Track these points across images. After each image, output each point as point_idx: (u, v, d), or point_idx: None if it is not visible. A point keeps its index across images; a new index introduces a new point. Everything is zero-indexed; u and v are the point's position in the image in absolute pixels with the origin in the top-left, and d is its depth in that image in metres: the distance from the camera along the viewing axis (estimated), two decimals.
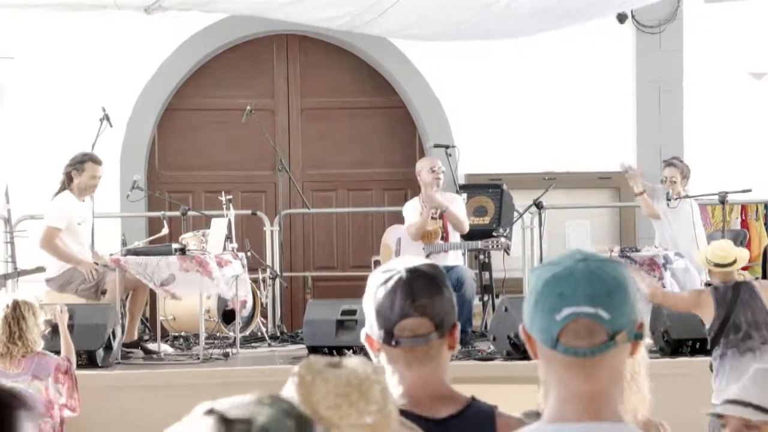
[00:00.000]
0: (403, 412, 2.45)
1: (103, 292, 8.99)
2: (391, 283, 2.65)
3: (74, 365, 7.14)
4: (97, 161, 9.19)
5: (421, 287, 2.64)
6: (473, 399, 2.69)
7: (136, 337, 9.28)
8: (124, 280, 8.90)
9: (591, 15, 11.19)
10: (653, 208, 9.92)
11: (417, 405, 2.61)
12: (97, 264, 9.05)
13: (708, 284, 7.35)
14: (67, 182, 9.18)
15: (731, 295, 6.79)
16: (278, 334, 10.17)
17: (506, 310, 8.59)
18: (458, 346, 2.75)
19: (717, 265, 6.91)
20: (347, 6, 10.22)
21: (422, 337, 2.63)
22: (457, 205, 9.73)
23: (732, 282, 6.89)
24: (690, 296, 7.15)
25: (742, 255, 7.01)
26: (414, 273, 2.66)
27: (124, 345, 9.08)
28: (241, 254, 9.54)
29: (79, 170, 9.12)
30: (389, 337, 2.63)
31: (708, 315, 6.81)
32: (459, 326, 2.72)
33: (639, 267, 9.34)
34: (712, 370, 6.86)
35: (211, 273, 8.80)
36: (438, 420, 2.61)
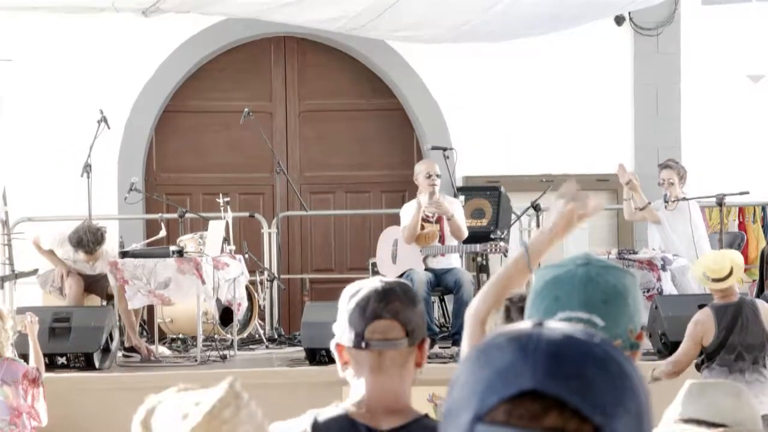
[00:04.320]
0: (348, 420, 2.54)
1: (65, 295, 9.37)
2: (364, 291, 2.71)
3: (43, 375, 7.07)
4: (88, 251, 9.17)
5: (394, 294, 2.71)
6: (425, 416, 2.71)
7: (134, 341, 9.26)
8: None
9: (590, 18, 11.21)
10: (656, 215, 9.86)
11: (366, 414, 2.63)
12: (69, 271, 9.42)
13: (701, 306, 7.18)
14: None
15: (732, 315, 6.65)
16: (276, 337, 10.17)
17: None
18: (424, 365, 2.77)
19: (714, 280, 6.71)
20: (345, 6, 10.22)
21: (392, 341, 2.66)
22: (457, 211, 9.69)
23: (734, 299, 6.72)
24: (692, 337, 6.72)
25: (737, 262, 6.75)
26: (387, 284, 2.74)
27: (126, 349, 9.15)
28: (239, 256, 9.54)
29: (76, 251, 9.23)
30: (360, 339, 2.65)
31: (710, 338, 6.66)
32: (428, 343, 2.75)
33: (638, 267, 9.36)
34: (699, 370, 6.81)
35: (205, 278, 8.81)
36: (379, 431, 2.63)
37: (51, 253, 9.38)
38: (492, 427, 1.15)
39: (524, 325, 1.22)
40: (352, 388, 2.66)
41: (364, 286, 2.72)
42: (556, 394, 1.14)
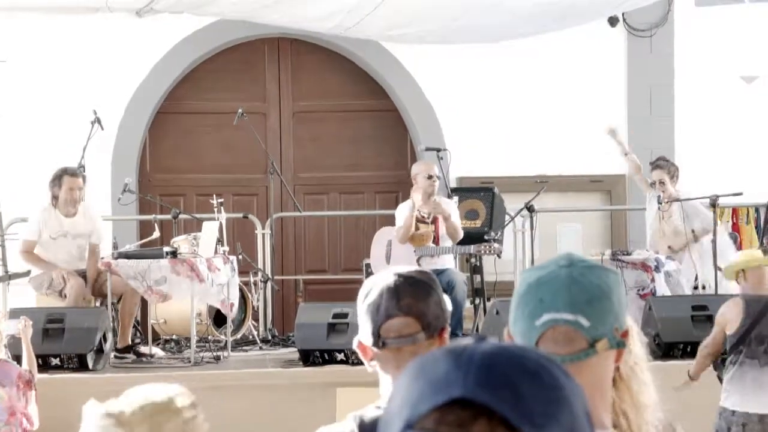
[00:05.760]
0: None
1: (65, 296, 9.19)
2: (377, 289, 2.69)
3: (36, 378, 7.08)
4: (72, 173, 9.24)
5: (407, 289, 2.68)
6: None
7: (129, 342, 9.27)
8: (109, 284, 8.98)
9: (585, 18, 11.22)
10: (638, 166, 10.22)
11: None
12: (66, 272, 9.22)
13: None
14: (53, 199, 9.29)
15: (763, 306, 6.69)
16: (270, 338, 10.16)
17: (497, 313, 8.59)
18: None
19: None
20: (337, 4, 10.22)
21: (408, 337, 2.65)
22: (453, 212, 9.71)
23: (765, 294, 6.77)
24: (718, 324, 6.80)
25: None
26: (401, 277, 2.70)
27: (118, 350, 9.11)
28: (232, 257, 9.53)
29: (58, 185, 9.23)
30: (377, 339, 2.65)
31: (735, 325, 6.67)
32: (449, 330, 2.73)
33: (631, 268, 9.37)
34: (716, 369, 6.80)
35: (201, 276, 8.81)
36: None
37: (38, 259, 9.28)
38: None
39: (466, 340, 1.23)
40: (381, 384, 2.67)
41: (376, 284, 2.70)
42: (485, 402, 1.15)
